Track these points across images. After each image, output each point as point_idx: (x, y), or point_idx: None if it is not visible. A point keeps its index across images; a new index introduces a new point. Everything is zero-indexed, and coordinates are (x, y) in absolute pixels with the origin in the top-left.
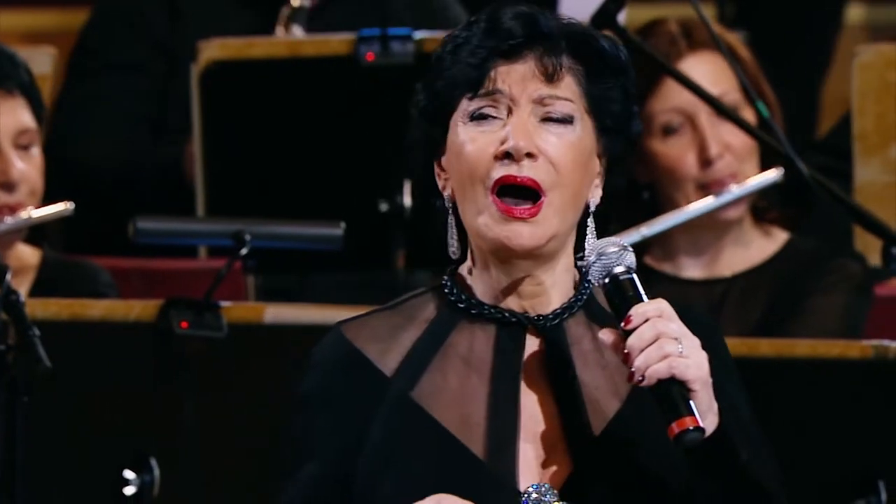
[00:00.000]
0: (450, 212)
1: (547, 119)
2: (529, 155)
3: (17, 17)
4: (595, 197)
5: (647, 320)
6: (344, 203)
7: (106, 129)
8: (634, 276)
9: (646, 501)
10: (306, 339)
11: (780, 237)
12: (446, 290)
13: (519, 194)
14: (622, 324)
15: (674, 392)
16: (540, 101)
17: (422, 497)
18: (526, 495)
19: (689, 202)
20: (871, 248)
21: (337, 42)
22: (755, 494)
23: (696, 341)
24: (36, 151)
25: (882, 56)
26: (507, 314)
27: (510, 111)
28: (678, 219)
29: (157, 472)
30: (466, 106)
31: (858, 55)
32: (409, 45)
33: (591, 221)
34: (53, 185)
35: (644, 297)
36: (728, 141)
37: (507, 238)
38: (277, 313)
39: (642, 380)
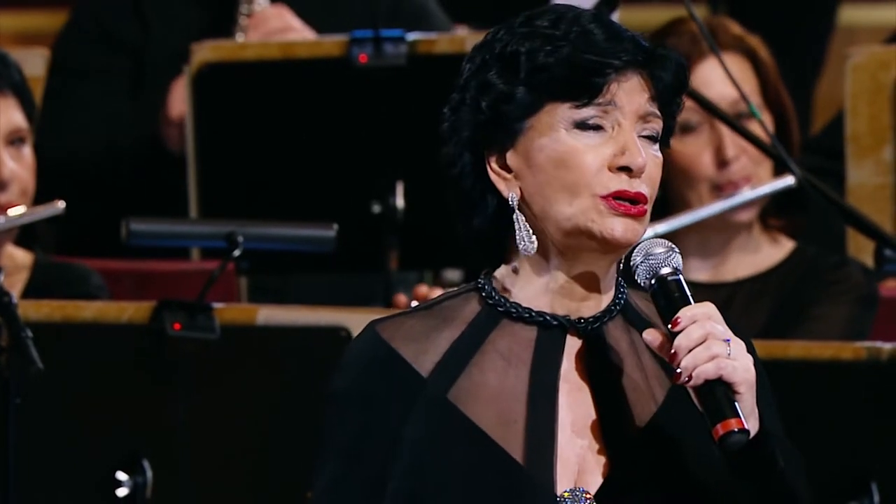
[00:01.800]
0: (515, 210)
1: (644, 136)
2: (642, 171)
3: (10, 19)
4: None
5: (694, 322)
6: (336, 205)
7: (84, 128)
8: (681, 277)
9: None
10: (299, 340)
11: (787, 245)
12: (483, 294)
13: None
14: (669, 325)
15: (719, 394)
16: (644, 118)
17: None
18: (561, 500)
19: (701, 202)
20: (863, 250)
21: (330, 44)
22: (789, 502)
23: (742, 345)
24: (27, 151)
25: (875, 58)
26: (548, 317)
27: (618, 124)
28: (690, 219)
29: (149, 473)
30: (572, 113)
31: (851, 57)
32: (401, 48)
33: None
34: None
35: (691, 298)
36: (744, 143)
37: (614, 226)
38: (270, 315)
39: (689, 380)
